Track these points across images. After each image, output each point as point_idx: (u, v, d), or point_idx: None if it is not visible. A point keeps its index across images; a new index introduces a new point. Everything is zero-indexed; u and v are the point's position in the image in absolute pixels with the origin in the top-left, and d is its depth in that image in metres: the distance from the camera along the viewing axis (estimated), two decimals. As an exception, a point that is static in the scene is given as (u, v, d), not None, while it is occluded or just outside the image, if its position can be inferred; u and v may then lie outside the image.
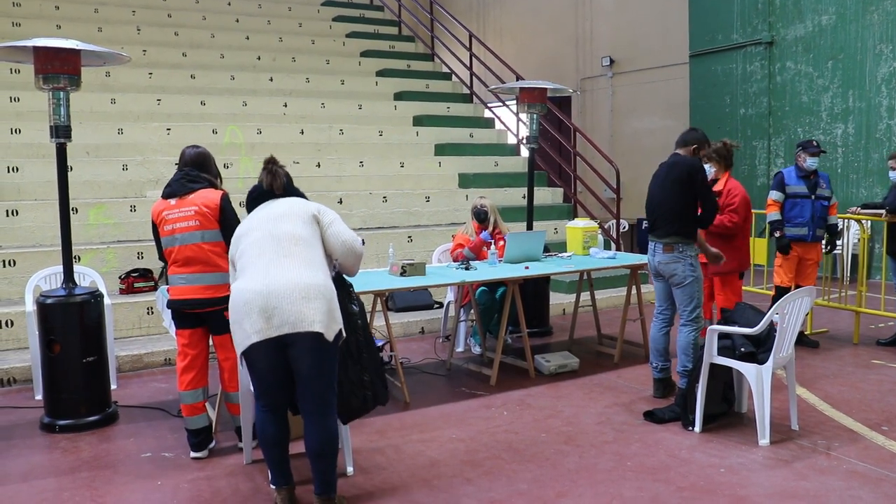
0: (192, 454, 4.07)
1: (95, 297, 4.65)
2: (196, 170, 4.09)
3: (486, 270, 5.59)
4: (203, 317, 4.03)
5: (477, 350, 6.25)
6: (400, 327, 6.92)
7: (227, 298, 3.56)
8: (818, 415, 4.68)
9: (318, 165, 9.04)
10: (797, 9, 10.41)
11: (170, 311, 4.17)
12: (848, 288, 7.07)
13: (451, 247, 6.30)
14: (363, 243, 3.62)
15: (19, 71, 8.66)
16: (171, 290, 4.04)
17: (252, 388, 3.51)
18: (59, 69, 4.34)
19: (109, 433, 4.49)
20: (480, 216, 6.24)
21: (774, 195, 6.27)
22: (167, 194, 4.05)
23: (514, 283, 5.47)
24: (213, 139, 8.72)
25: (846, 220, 6.99)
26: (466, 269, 5.56)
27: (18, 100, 8.41)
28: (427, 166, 9.90)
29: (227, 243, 3.64)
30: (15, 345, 5.91)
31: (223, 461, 4.04)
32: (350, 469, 3.83)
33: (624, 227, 11.42)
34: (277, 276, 3.16)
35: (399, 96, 11.36)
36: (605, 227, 9.80)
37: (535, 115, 6.64)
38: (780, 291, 6.20)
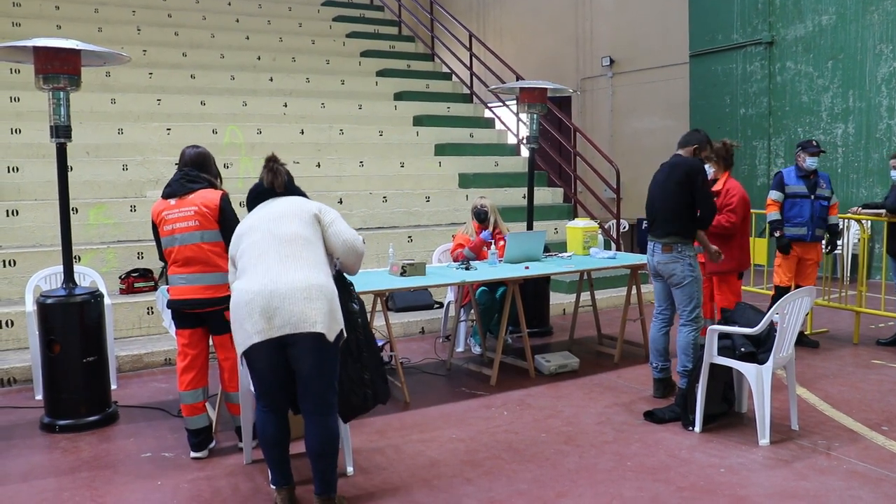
0: (192, 454, 4.07)
1: (95, 297, 4.65)
2: (196, 170, 4.09)
3: (487, 270, 5.59)
4: (203, 317, 4.03)
5: (477, 350, 6.25)
6: (400, 327, 6.92)
7: (226, 298, 3.57)
8: (818, 415, 4.68)
9: (318, 165, 9.04)
10: (797, 9, 10.41)
11: (170, 311, 4.17)
12: (848, 288, 7.07)
13: (452, 247, 6.30)
14: (363, 242, 3.62)
15: (19, 71, 8.66)
16: (171, 290, 4.04)
17: (252, 388, 3.51)
18: (59, 69, 4.34)
19: (109, 433, 4.49)
20: (480, 216, 6.24)
21: (774, 195, 6.27)
22: (167, 194, 4.05)
23: (515, 283, 5.47)
24: (213, 139, 8.72)
25: (846, 220, 6.99)
26: (466, 269, 5.56)
27: (18, 100, 8.41)
28: (427, 166, 9.90)
29: (227, 243, 3.63)
30: (15, 345, 5.91)
31: (223, 461, 4.04)
32: (350, 469, 3.83)
33: (624, 227, 11.42)
34: (279, 277, 3.16)
35: (399, 96, 11.36)
36: (606, 227, 9.80)
37: (535, 115, 6.64)
38: (780, 291, 6.20)
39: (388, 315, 5.30)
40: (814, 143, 6.30)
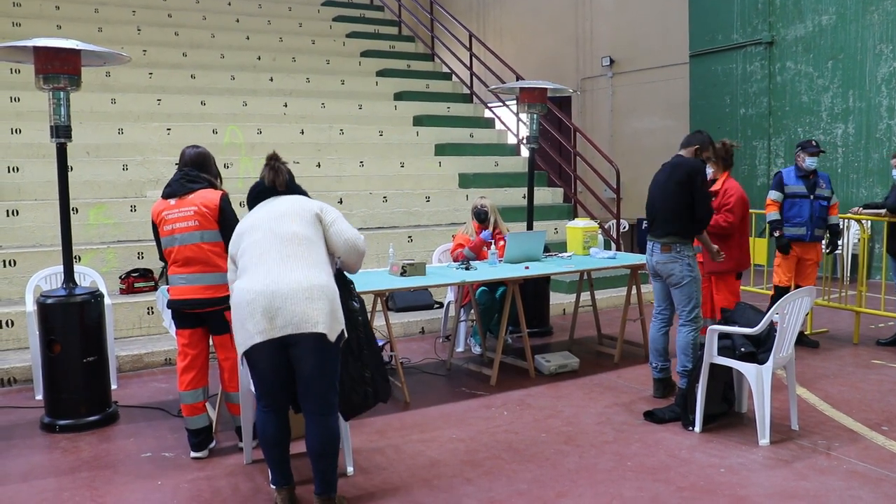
0: (193, 454, 4.07)
1: (96, 297, 4.65)
2: (196, 170, 4.09)
3: (487, 270, 5.60)
4: (203, 317, 4.03)
5: (477, 350, 6.26)
6: (400, 327, 6.92)
7: (227, 298, 3.57)
8: (818, 415, 4.68)
9: (319, 165, 9.04)
10: (797, 9, 10.41)
11: (170, 311, 4.17)
12: (848, 288, 7.07)
13: (452, 247, 6.31)
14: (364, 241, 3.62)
15: (19, 71, 8.66)
16: (171, 290, 4.04)
17: (253, 388, 3.51)
18: (59, 69, 4.34)
19: (109, 433, 4.49)
20: (481, 216, 6.24)
21: (773, 195, 6.28)
22: (167, 194, 4.05)
23: (515, 283, 5.47)
24: (213, 139, 8.72)
25: (846, 220, 6.99)
26: (466, 269, 5.56)
27: (19, 100, 8.42)
28: (427, 166, 9.90)
29: (227, 243, 3.62)
30: (15, 345, 5.91)
31: (223, 461, 4.04)
32: (350, 469, 3.83)
33: (624, 227, 11.42)
34: (281, 277, 3.16)
35: (399, 96, 11.36)
36: (606, 227, 9.80)
37: (535, 115, 6.64)
38: (779, 291, 6.21)
39: (388, 315, 5.31)
40: (813, 143, 6.30)
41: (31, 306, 5.06)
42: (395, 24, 13.83)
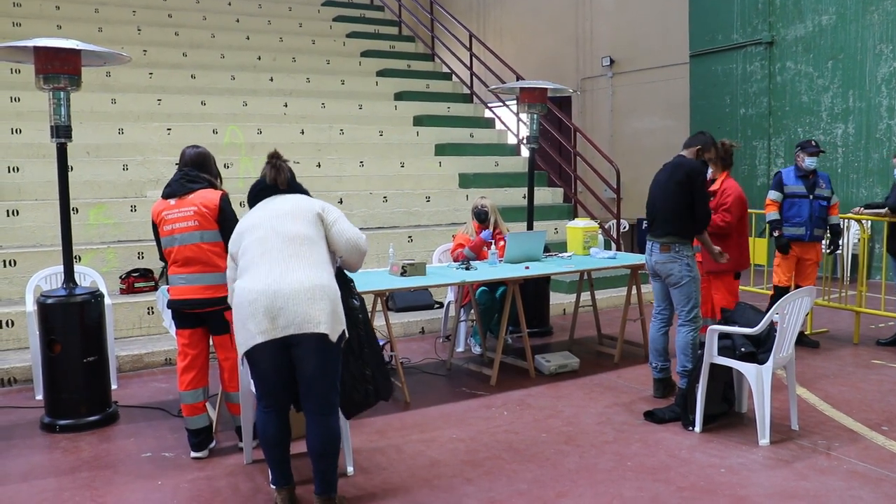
0: (193, 454, 4.07)
1: (96, 296, 4.65)
2: (196, 170, 4.09)
3: (487, 270, 5.60)
4: (203, 317, 4.03)
5: (477, 350, 6.26)
6: (400, 327, 6.92)
7: (226, 298, 3.56)
8: (818, 415, 4.68)
9: (319, 165, 9.04)
10: (797, 9, 10.41)
11: (170, 310, 4.17)
12: (848, 288, 7.07)
13: (452, 247, 6.31)
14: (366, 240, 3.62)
15: (20, 71, 8.66)
16: (171, 290, 4.04)
17: (253, 388, 3.50)
18: (59, 69, 4.34)
19: (110, 433, 4.49)
20: (481, 216, 6.24)
21: (773, 195, 6.29)
22: (167, 194, 4.05)
23: (515, 283, 5.47)
24: (213, 139, 8.72)
25: (846, 220, 6.99)
26: (467, 269, 5.56)
27: (19, 100, 8.42)
28: (427, 166, 9.90)
29: (227, 243, 3.62)
30: (15, 345, 5.91)
31: (223, 461, 4.04)
32: (350, 469, 3.83)
33: (624, 227, 11.43)
34: (283, 277, 3.15)
35: (399, 96, 11.36)
36: (606, 227, 9.80)
37: (535, 115, 6.64)
38: (779, 291, 6.21)
39: (389, 315, 5.31)
40: (813, 143, 6.31)
41: (31, 306, 5.06)
42: (395, 24, 13.83)
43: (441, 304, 7.21)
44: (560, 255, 6.38)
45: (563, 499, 3.54)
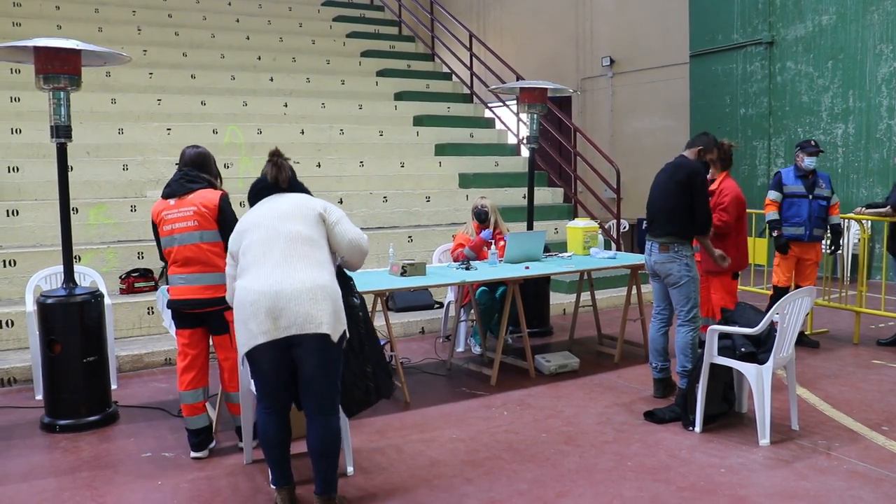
0: (193, 454, 4.07)
1: (96, 296, 4.65)
2: (195, 170, 4.09)
3: (487, 270, 5.59)
4: (203, 317, 4.03)
5: (477, 350, 6.26)
6: (400, 327, 6.92)
7: (226, 298, 3.56)
8: (818, 415, 4.68)
9: (319, 165, 9.04)
10: (797, 9, 10.41)
11: (170, 310, 4.17)
12: (848, 288, 7.07)
13: (452, 247, 6.31)
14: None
15: (20, 71, 8.66)
16: (171, 290, 4.04)
17: (254, 388, 3.50)
18: (59, 69, 4.34)
19: (110, 433, 4.49)
20: (481, 216, 6.24)
21: (772, 195, 6.29)
22: (166, 194, 4.05)
23: (515, 283, 5.47)
24: (213, 139, 8.72)
25: (846, 220, 6.98)
26: (467, 269, 5.56)
27: (19, 100, 8.42)
28: (427, 166, 9.90)
29: (226, 243, 3.61)
30: (15, 345, 5.91)
31: (223, 461, 4.04)
32: (350, 469, 3.83)
33: (624, 227, 11.43)
34: (285, 277, 3.15)
35: (399, 96, 11.36)
36: (606, 227, 9.81)
37: (535, 115, 6.64)
38: (778, 291, 6.21)
39: (389, 315, 5.31)
40: (812, 142, 6.31)
41: (31, 306, 5.06)
42: (395, 24, 13.83)
43: (441, 304, 7.21)
44: (560, 255, 6.38)
45: (563, 499, 3.54)
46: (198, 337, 4.08)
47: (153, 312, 6.37)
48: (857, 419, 4.57)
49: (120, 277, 6.71)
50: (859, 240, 6.99)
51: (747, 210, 5.62)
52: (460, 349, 6.33)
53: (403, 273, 5.29)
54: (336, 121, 10.07)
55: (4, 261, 6.40)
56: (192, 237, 3.93)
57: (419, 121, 10.88)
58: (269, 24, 12.07)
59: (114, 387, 5.08)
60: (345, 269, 3.56)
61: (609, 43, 13.58)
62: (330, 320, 3.16)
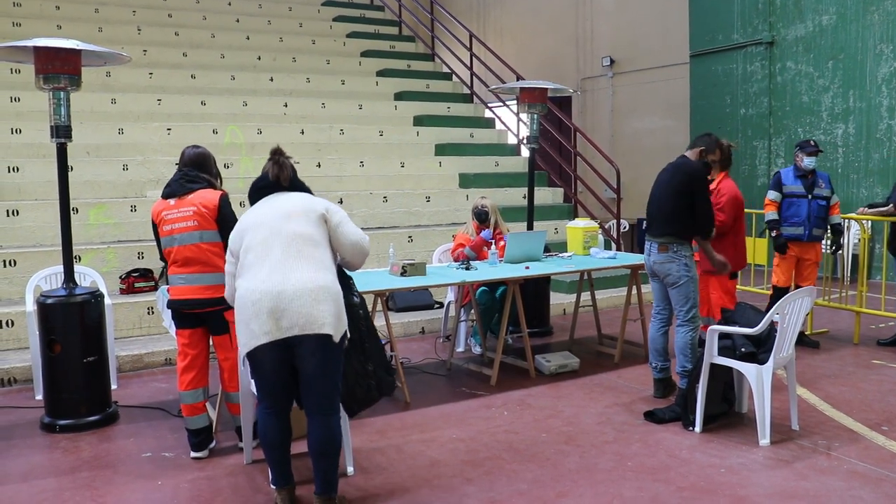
0: (193, 454, 4.07)
1: (96, 296, 4.65)
2: (195, 170, 4.09)
3: (487, 270, 5.59)
4: (203, 317, 4.03)
5: (477, 350, 6.25)
6: (400, 327, 6.92)
7: (225, 298, 3.56)
8: (818, 415, 4.68)
9: (319, 165, 9.04)
10: (798, 9, 10.41)
11: (170, 310, 4.17)
12: (848, 288, 7.07)
13: (452, 247, 6.31)
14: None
15: (20, 71, 8.66)
16: (171, 290, 4.04)
17: (254, 389, 3.50)
18: (59, 69, 4.34)
19: (110, 433, 4.49)
20: (481, 216, 6.24)
21: (771, 195, 6.30)
22: (166, 194, 4.05)
23: (515, 283, 5.47)
24: (213, 139, 8.72)
25: (847, 221, 6.98)
26: (467, 268, 5.56)
27: (19, 100, 8.41)
28: (427, 166, 9.90)
29: (226, 243, 3.60)
30: (15, 345, 5.91)
31: (223, 461, 4.04)
32: (350, 469, 3.82)
33: (624, 228, 11.42)
34: (287, 277, 3.14)
35: (399, 96, 11.36)
36: (606, 227, 9.80)
37: (535, 115, 6.64)
38: (778, 291, 6.22)
39: (389, 315, 5.31)
40: (811, 142, 6.31)
41: (31, 306, 5.06)
42: (395, 24, 13.83)
43: (441, 304, 7.21)
44: (560, 255, 6.38)
45: (564, 499, 3.54)
46: (198, 337, 4.08)
47: (153, 312, 6.37)
48: (858, 419, 4.57)
49: (120, 277, 6.71)
50: (859, 240, 6.99)
51: (748, 210, 5.62)
52: (460, 349, 6.33)
53: (403, 273, 5.29)
54: (336, 121, 10.07)
55: (4, 261, 6.40)
56: (191, 237, 3.93)
57: (419, 121, 10.88)
58: (269, 24, 12.07)
59: (114, 387, 5.08)
60: (344, 269, 3.56)
61: (609, 43, 13.58)
62: (332, 321, 3.16)
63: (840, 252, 6.83)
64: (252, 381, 3.59)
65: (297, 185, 3.50)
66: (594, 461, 3.96)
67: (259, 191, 3.46)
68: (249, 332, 3.16)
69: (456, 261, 5.99)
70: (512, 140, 11.46)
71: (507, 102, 11.49)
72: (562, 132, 10.97)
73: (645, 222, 5.32)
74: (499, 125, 11.62)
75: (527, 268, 5.70)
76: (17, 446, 4.28)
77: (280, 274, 3.15)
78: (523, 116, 8.76)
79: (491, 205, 6.28)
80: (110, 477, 3.85)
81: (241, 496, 3.61)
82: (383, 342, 3.76)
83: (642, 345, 6.06)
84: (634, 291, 6.10)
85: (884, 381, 5.36)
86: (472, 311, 6.11)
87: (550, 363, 5.62)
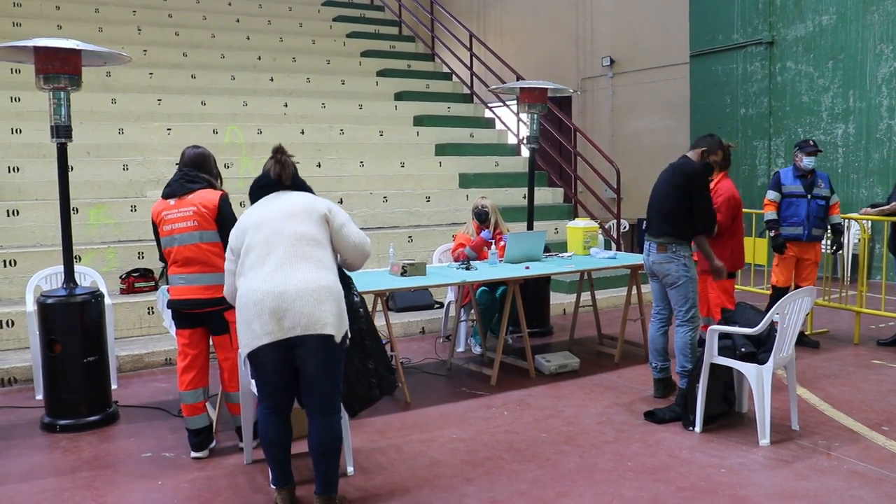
0: (193, 454, 4.07)
1: (96, 296, 4.65)
2: (195, 170, 4.09)
3: (487, 270, 5.60)
4: (203, 317, 4.03)
5: (477, 350, 6.26)
6: (400, 327, 6.92)
7: (226, 298, 3.55)
8: (819, 415, 4.68)
9: (319, 165, 9.04)
10: (798, 9, 10.41)
11: (170, 310, 4.17)
12: (848, 288, 7.07)
13: (452, 247, 6.31)
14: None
15: (20, 71, 8.66)
16: (171, 290, 4.04)
17: (255, 389, 3.50)
18: (59, 69, 4.34)
19: (110, 433, 4.49)
20: (481, 216, 6.24)
21: (771, 195, 6.30)
22: (166, 194, 4.05)
23: (515, 283, 5.47)
24: (213, 139, 8.72)
25: (847, 220, 6.98)
26: (467, 268, 5.56)
27: (19, 100, 8.42)
28: (427, 166, 9.90)
29: (226, 243, 3.59)
30: (16, 345, 5.91)
31: (224, 461, 4.04)
32: (350, 469, 3.82)
33: (624, 228, 11.42)
34: (289, 278, 3.14)
35: (399, 96, 11.36)
36: (606, 227, 9.80)
37: (535, 115, 6.64)
38: (777, 291, 6.22)
39: (389, 315, 5.31)
40: (811, 142, 6.31)
41: (31, 306, 5.06)
42: (395, 24, 13.83)
43: (441, 304, 7.21)
44: (560, 255, 6.38)
45: (564, 499, 3.54)
46: (198, 337, 4.08)
47: (153, 312, 6.37)
48: (858, 419, 4.57)
49: (120, 277, 6.71)
50: (859, 240, 6.98)
51: (748, 210, 5.62)
52: (460, 349, 6.33)
53: (404, 273, 5.29)
54: (336, 121, 10.07)
55: (5, 261, 6.40)
56: (191, 237, 3.93)
57: (419, 121, 10.88)
58: (269, 24, 12.07)
59: (114, 387, 5.08)
60: (344, 269, 3.56)
61: (609, 43, 13.58)
62: (334, 321, 3.16)
63: (840, 252, 6.83)
64: (252, 381, 3.59)
65: (299, 185, 3.49)
66: (594, 461, 3.96)
67: (260, 189, 3.45)
68: (251, 333, 3.15)
69: (456, 261, 5.99)
70: (512, 140, 11.46)
71: (507, 102, 11.49)
72: (562, 132, 10.97)
73: (645, 222, 5.31)
74: (499, 125, 11.62)
75: (527, 268, 5.70)
76: (17, 446, 4.28)
77: (282, 274, 3.15)
78: (523, 116, 8.76)
79: (491, 205, 6.28)
80: (110, 477, 3.85)
81: (241, 496, 3.61)
82: (383, 342, 3.77)
83: (642, 345, 6.06)
84: (634, 291, 6.10)
85: (884, 381, 5.36)
86: (473, 311, 6.11)
87: (550, 363, 5.62)
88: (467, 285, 5.73)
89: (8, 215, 6.88)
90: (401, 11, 13.79)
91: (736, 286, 5.77)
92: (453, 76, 12.62)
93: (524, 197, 7.30)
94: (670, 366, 5.01)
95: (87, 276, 5.38)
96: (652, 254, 4.82)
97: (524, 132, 10.14)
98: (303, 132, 9.57)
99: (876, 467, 3.84)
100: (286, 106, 9.95)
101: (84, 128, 7.98)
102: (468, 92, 12.13)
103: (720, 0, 11.29)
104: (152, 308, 6.36)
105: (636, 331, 6.41)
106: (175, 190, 4.03)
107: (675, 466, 3.88)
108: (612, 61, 13.51)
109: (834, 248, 6.44)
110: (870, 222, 7.16)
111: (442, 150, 10.30)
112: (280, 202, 3.36)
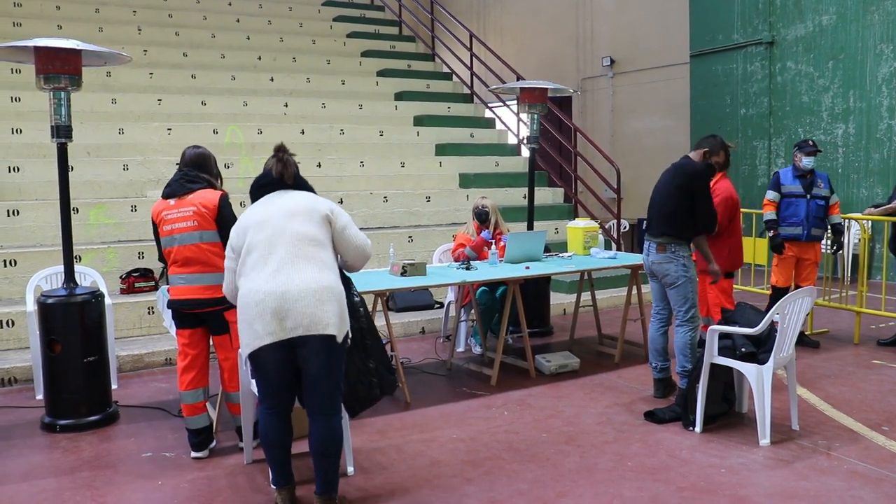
0: (193, 454, 4.07)
1: (96, 296, 4.65)
2: (195, 170, 4.09)
3: (487, 270, 5.60)
4: (203, 317, 4.03)
5: (477, 350, 6.26)
6: (400, 327, 6.92)
7: (226, 298, 3.55)
8: (819, 415, 4.68)
9: (319, 165, 9.04)
10: (798, 9, 10.41)
11: (170, 310, 4.17)
12: (848, 288, 7.07)
13: (453, 247, 6.31)
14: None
15: (20, 71, 8.66)
16: (171, 290, 4.04)
17: (255, 389, 3.49)
18: (59, 69, 4.34)
19: (110, 433, 4.49)
20: (481, 216, 6.24)
21: (770, 195, 6.30)
22: (166, 194, 4.05)
23: (515, 283, 5.47)
24: (213, 139, 8.72)
25: (847, 220, 6.98)
26: (467, 268, 5.56)
27: (19, 100, 8.42)
28: (428, 166, 9.90)
29: (226, 243, 3.58)
30: (16, 344, 5.91)
31: (224, 461, 4.04)
32: (351, 469, 3.83)
33: (624, 228, 11.42)
34: (291, 278, 3.13)
35: (399, 96, 11.36)
36: (606, 227, 9.80)
37: (535, 115, 6.64)
38: (777, 291, 6.21)
39: (389, 315, 5.31)
40: (810, 142, 6.31)
41: (31, 306, 5.07)
42: (395, 24, 13.84)
43: (441, 304, 7.21)
44: (560, 255, 6.38)
45: (564, 499, 3.54)
46: (198, 337, 4.08)
47: (153, 312, 6.37)
48: (858, 419, 4.57)
49: (120, 277, 6.71)
50: (860, 240, 6.98)
51: (749, 210, 5.61)
52: (460, 349, 6.33)
53: (404, 273, 5.29)
54: (336, 121, 10.07)
55: (5, 261, 6.40)
56: (191, 237, 3.93)
57: (419, 121, 10.88)
58: (269, 24, 12.07)
59: (114, 387, 5.08)
60: (343, 270, 3.56)
61: (609, 43, 13.58)
62: (336, 321, 3.16)
63: (840, 252, 6.83)
64: (252, 381, 3.59)
65: (301, 184, 3.49)
66: (594, 461, 3.96)
67: (262, 187, 3.44)
68: (253, 333, 3.15)
69: (456, 261, 5.99)
70: (512, 140, 11.46)
71: (508, 102, 11.49)
72: (562, 132, 10.97)
73: (645, 222, 5.32)
74: (499, 125, 11.63)
75: (527, 268, 5.70)
76: (17, 446, 4.28)
77: (284, 274, 3.15)
78: (523, 116, 8.75)
79: (491, 205, 6.28)
80: (110, 477, 3.85)
81: (241, 496, 3.62)
82: (384, 342, 3.77)
83: (642, 345, 6.06)
84: (634, 291, 6.10)
85: (884, 381, 5.36)
86: (473, 311, 6.12)
87: (550, 363, 5.62)
88: (467, 285, 5.74)
89: (8, 215, 6.88)
90: (401, 11, 13.79)
91: (735, 286, 5.78)
92: (453, 76, 12.62)
93: (524, 197, 7.30)
94: (670, 366, 5.01)
95: (88, 276, 5.38)
96: (651, 254, 4.82)
97: (524, 132, 10.14)
98: (303, 132, 9.57)
99: (876, 467, 3.84)
100: (286, 106, 9.95)
101: (84, 128, 7.98)
102: (468, 92, 12.13)
103: (720, 0, 11.29)
104: (152, 308, 6.37)
105: (636, 331, 6.41)
106: (175, 190, 4.03)
107: (675, 466, 3.88)
108: (612, 61, 13.51)
109: (834, 248, 6.44)
110: (870, 222, 7.16)
111: (442, 150, 10.30)
112: (282, 201, 3.35)
